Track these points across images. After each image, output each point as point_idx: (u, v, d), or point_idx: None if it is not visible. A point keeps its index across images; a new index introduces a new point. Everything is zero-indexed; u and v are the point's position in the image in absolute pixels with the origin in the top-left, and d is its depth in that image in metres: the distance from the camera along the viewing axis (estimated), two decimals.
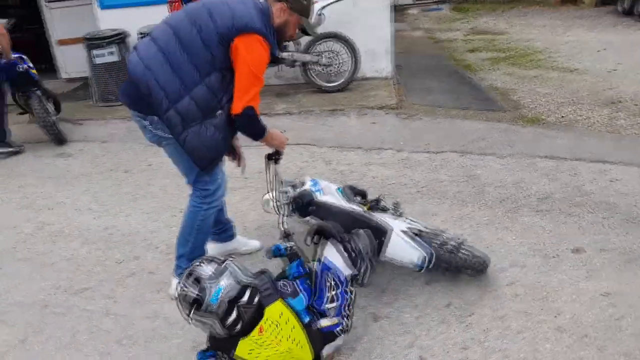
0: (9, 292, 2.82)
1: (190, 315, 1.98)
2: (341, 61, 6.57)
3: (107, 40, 6.42)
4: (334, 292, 2.21)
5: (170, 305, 2.61)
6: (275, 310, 2.07)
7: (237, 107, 2.33)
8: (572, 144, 5.19)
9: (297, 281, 2.27)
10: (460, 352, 2.30)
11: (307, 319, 2.14)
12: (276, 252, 2.37)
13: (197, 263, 2.06)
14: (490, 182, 4.14)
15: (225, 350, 2.03)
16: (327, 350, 2.21)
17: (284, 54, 6.41)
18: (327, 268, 2.23)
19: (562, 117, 6.13)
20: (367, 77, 7.19)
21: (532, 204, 3.78)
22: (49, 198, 3.86)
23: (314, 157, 4.67)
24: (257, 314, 2.04)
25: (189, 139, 2.35)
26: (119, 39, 6.50)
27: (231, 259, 2.12)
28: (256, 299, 2.04)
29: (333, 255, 2.25)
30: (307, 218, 2.76)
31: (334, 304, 2.21)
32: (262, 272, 2.21)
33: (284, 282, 2.24)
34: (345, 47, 6.45)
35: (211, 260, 2.08)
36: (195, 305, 1.96)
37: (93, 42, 6.43)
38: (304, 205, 2.75)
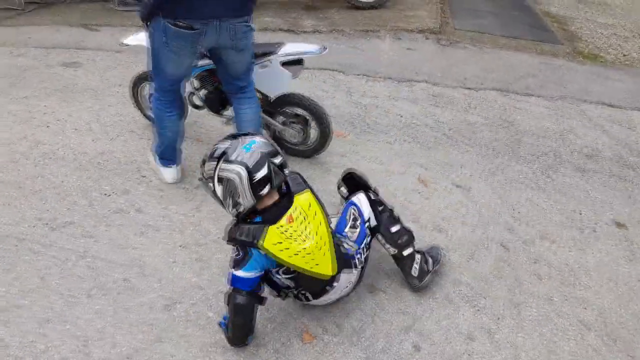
0: None
1: (218, 166, 1.78)
2: None
3: None
4: (355, 222, 2.12)
5: (150, 253, 2.40)
6: (305, 200, 1.92)
7: None
8: (633, 89, 4.57)
9: None
10: (464, 344, 2.01)
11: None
12: None
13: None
14: (530, 130, 3.67)
15: (252, 239, 1.79)
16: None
17: None
18: (352, 204, 2.17)
19: (625, 55, 5.42)
20: None
21: (576, 161, 3.32)
22: (50, 113, 3.61)
23: (336, 86, 4.23)
24: (287, 201, 1.89)
25: None
26: None
27: None
28: (286, 171, 1.91)
29: (361, 199, 2.19)
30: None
31: (355, 231, 2.10)
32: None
33: None
34: None
35: None
36: (224, 156, 1.79)
37: None
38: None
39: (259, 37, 2.80)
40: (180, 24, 2.29)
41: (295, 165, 3.11)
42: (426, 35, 5.38)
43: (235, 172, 1.76)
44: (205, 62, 2.82)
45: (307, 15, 5.96)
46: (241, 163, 1.76)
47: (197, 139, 3.36)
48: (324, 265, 1.89)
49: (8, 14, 6.39)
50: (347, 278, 2.01)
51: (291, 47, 2.89)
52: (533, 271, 2.37)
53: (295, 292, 2.01)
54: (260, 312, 2.03)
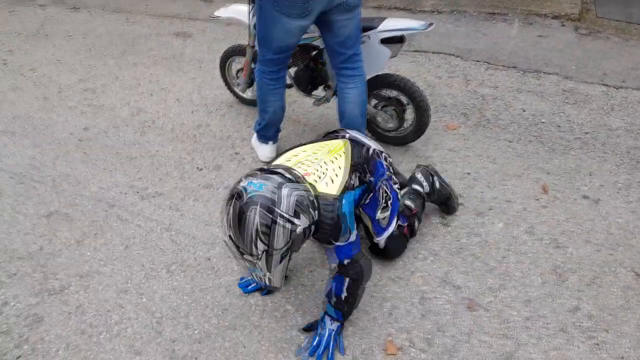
0: (88, 181, 2.68)
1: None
2: None
3: None
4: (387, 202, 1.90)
5: None
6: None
7: None
8: None
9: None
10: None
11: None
12: None
13: None
14: None
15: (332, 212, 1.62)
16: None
17: None
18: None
19: None
20: None
21: None
22: (155, 82, 3.64)
23: (453, 73, 3.85)
24: None
25: None
26: None
27: None
28: None
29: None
30: None
31: (385, 213, 1.91)
32: None
33: None
34: None
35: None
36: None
37: None
38: None
39: (368, 15, 2.54)
40: None
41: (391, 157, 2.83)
42: (562, 21, 4.76)
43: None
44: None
45: None
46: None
47: (295, 120, 3.20)
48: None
49: None
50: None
51: (393, 22, 2.58)
52: None
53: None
54: None
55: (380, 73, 2.70)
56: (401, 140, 2.86)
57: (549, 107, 3.38)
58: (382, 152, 1.92)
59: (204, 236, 2.26)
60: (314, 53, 2.78)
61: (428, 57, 4.02)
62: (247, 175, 1.48)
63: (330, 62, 2.54)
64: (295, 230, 1.43)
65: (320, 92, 2.89)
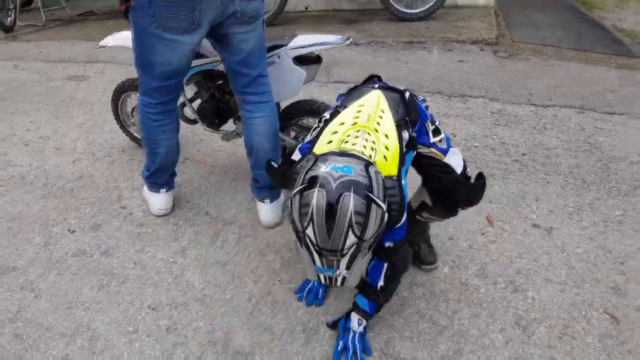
0: None
1: None
2: None
3: None
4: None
5: (105, 317, 1.71)
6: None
7: None
8: None
9: None
10: None
11: None
12: None
13: None
14: (619, 155, 2.85)
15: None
16: None
17: None
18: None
19: None
20: (459, 4, 5.80)
21: None
22: (34, 130, 3.07)
23: None
24: None
25: None
26: None
27: None
28: None
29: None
30: None
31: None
32: None
33: None
34: None
35: None
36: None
37: None
38: None
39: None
40: None
41: None
42: (481, 46, 4.64)
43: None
44: (199, 62, 2.19)
45: (347, 28, 5.34)
46: None
47: (200, 160, 2.72)
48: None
49: (29, 29, 6.08)
50: None
51: (305, 38, 2.20)
52: None
53: None
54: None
55: (298, 99, 2.31)
56: None
57: (480, 130, 3.11)
58: (416, 94, 1.71)
59: (62, 325, 1.68)
60: (219, 82, 2.36)
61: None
62: (321, 159, 1.28)
63: (232, 87, 2.10)
64: (384, 217, 1.25)
65: (229, 125, 2.46)
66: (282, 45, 2.19)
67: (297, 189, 1.23)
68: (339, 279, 1.30)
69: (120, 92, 2.70)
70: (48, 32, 5.94)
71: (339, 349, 1.57)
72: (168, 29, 1.75)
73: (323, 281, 1.32)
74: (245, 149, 2.13)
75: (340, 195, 1.18)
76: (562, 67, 4.32)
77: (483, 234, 2.17)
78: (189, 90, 2.46)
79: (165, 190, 2.21)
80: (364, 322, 1.60)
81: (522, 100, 3.62)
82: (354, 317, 1.60)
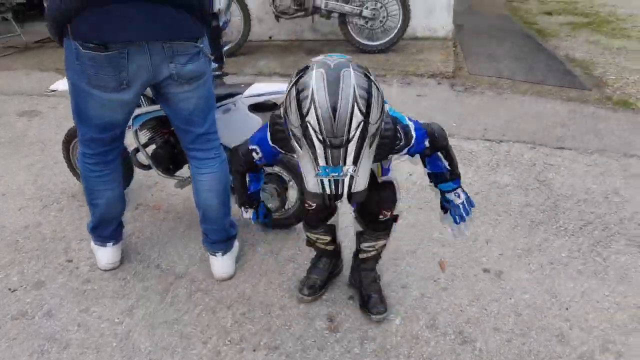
0: None
1: None
2: (388, 14, 5.34)
3: None
4: None
5: None
6: None
7: None
8: None
9: None
10: None
11: None
12: None
13: None
14: (568, 192, 2.94)
15: None
16: None
17: (319, 1, 5.25)
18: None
19: None
20: (418, 36, 5.93)
21: (629, 232, 2.57)
22: None
23: None
24: None
25: None
26: None
27: None
28: None
29: None
30: None
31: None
32: None
33: None
34: None
35: None
36: None
37: None
38: None
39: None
40: (91, 44, 1.64)
41: (272, 241, 2.40)
42: (438, 80, 4.75)
43: None
44: (150, 108, 2.17)
45: (309, 58, 5.36)
46: None
47: (154, 207, 2.67)
48: None
49: None
50: None
51: (261, 87, 2.24)
52: None
53: None
54: None
55: None
56: (283, 222, 2.44)
57: None
58: None
59: None
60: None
61: None
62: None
63: (181, 143, 2.08)
64: (383, 102, 1.27)
65: (184, 171, 2.43)
66: (238, 94, 2.20)
67: (292, 81, 1.22)
68: (346, 181, 1.24)
69: (73, 135, 2.64)
70: (1, 61, 5.80)
71: (456, 217, 1.77)
72: (96, 86, 1.72)
73: (328, 190, 1.25)
74: (195, 203, 2.11)
75: (340, 71, 1.19)
76: (516, 101, 4.45)
77: (435, 280, 2.19)
78: (143, 136, 2.43)
79: (112, 244, 2.15)
80: (462, 191, 1.76)
81: (478, 136, 3.70)
82: (452, 194, 1.75)
